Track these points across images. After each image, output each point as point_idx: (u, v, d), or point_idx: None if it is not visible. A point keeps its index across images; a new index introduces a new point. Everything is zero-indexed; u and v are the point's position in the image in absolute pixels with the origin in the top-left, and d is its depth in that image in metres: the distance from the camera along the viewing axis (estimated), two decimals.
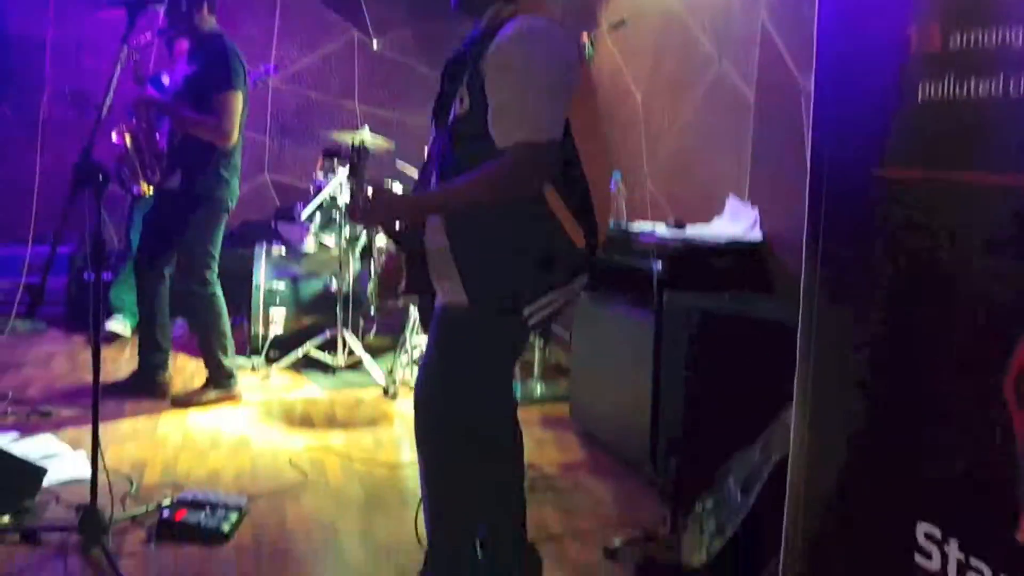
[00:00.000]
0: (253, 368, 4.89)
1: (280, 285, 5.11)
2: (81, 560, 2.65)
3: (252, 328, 5.05)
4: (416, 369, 4.75)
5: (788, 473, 1.91)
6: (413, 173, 4.83)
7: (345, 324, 4.90)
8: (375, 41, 6.39)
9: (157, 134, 4.33)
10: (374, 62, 6.51)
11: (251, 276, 5.07)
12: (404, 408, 4.43)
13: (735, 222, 3.85)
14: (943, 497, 1.55)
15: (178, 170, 4.21)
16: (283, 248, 5.21)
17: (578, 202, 2.16)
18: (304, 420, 4.21)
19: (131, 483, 3.22)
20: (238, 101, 4.14)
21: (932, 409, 1.58)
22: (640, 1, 4.78)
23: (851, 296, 1.78)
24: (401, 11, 6.51)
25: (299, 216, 4.81)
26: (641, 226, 3.94)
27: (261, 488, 3.32)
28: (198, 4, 4.13)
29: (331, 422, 4.20)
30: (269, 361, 4.95)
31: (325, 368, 4.93)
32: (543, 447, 3.88)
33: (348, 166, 2.24)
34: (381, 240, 4.80)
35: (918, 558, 1.59)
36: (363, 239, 4.82)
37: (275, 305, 5.06)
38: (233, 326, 4.45)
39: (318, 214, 4.79)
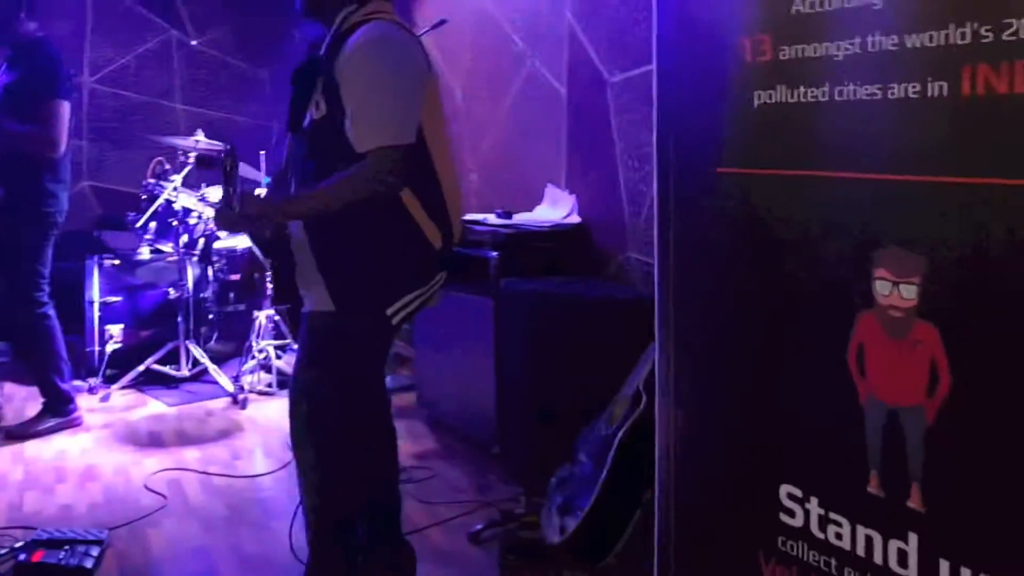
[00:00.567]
0: (91, 390, 4.49)
1: (115, 298, 4.73)
2: None
3: (87, 346, 4.66)
4: (263, 374, 4.62)
5: (656, 447, 1.97)
6: (249, 174, 4.63)
7: (187, 334, 4.61)
8: (193, 39, 6.04)
9: None
10: (194, 60, 6.15)
11: (82, 291, 4.66)
12: (256, 415, 4.26)
13: (555, 208, 3.97)
14: (802, 460, 1.65)
15: (0, 185, 3.81)
16: (116, 259, 4.84)
17: (433, 203, 2.19)
18: (153, 439, 3.93)
19: None
20: (65, 109, 3.79)
21: (788, 381, 1.67)
22: (455, 1, 4.77)
23: (703, 281, 1.84)
24: (217, 7, 6.18)
25: (133, 224, 4.46)
26: (473, 216, 3.96)
27: (119, 518, 3.06)
28: (16, 8, 3.74)
29: (182, 438, 3.95)
30: (108, 380, 4.56)
31: (169, 382, 4.62)
32: None
33: (222, 172, 2.14)
34: (220, 243, 4.59)
35: (783, 516, 1.68)
36: (201, 244, 4.55)
37: (111, 321, 4.68)
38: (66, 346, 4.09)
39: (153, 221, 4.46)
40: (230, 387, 4.44)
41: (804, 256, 1.63)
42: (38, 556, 2.65)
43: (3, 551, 2.73)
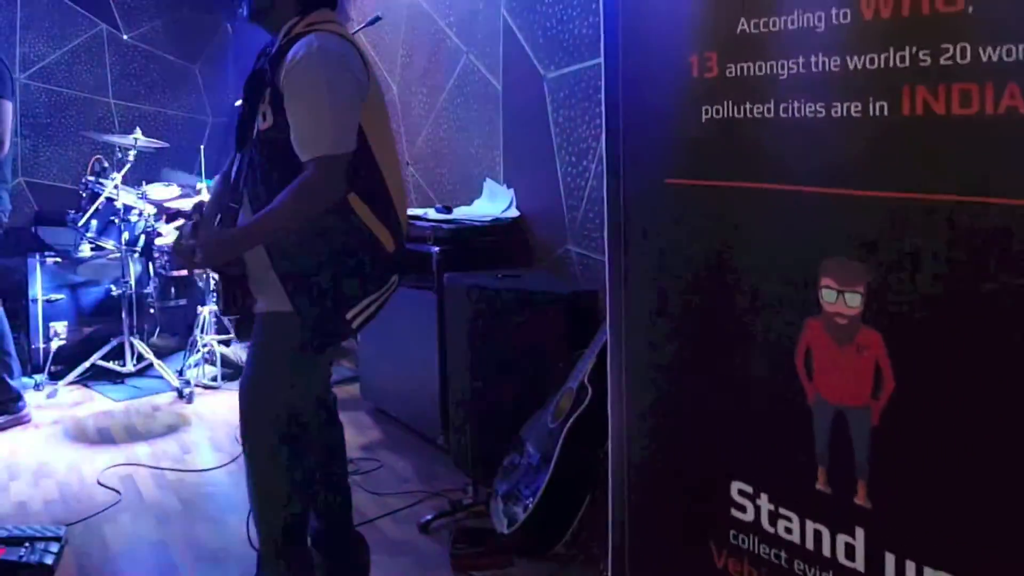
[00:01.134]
0: (37, 387, 4.29)
1: (58, 296, 4.54)
2: None
3: (32, 343, 4.46)
4: (208, 368, 4.48)
5: (609, 443, 1.96)
6: (182, 178, 4.48)
7: (131, 330, 4.43)
8: (125, 34, 5.79)
9: None
10: (126, 55, 5.88)
11: (25, 288, 4.47)
12: (202, 408, 4.13)
13: (494, 202, 3.90)
14: (753, 458, 1.66)
15: None
16: (58, 257, 4.63)
17: (382, 207, 2.15)
18: (103, 435, 3.79)
19: None
20: (8, 111, 3.61)
21: (738, 383, 1.67)
22: None
23: (653, 288, 1.83)
24: (149, 2, 5.92)
25: (74, 223, 4.26)
26: (414, 212, 3.88)
27: (74, 514, 2.96)
28: None
29: (132, 434, 3.81)
30: (53, 377, 4.38)
31: (115, 377, 4.45)
32: None
33: (191, 224, 2.17)
34: (161, 240, 4.42)
35: (734, 511, 1.69)
36: (142, 241, 4.38)
37: (55, 318, 4.49)
38: None
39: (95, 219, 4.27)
40: (175, 381, 4.30)
41: (752, 264, 1.62)
42: None
43: None
